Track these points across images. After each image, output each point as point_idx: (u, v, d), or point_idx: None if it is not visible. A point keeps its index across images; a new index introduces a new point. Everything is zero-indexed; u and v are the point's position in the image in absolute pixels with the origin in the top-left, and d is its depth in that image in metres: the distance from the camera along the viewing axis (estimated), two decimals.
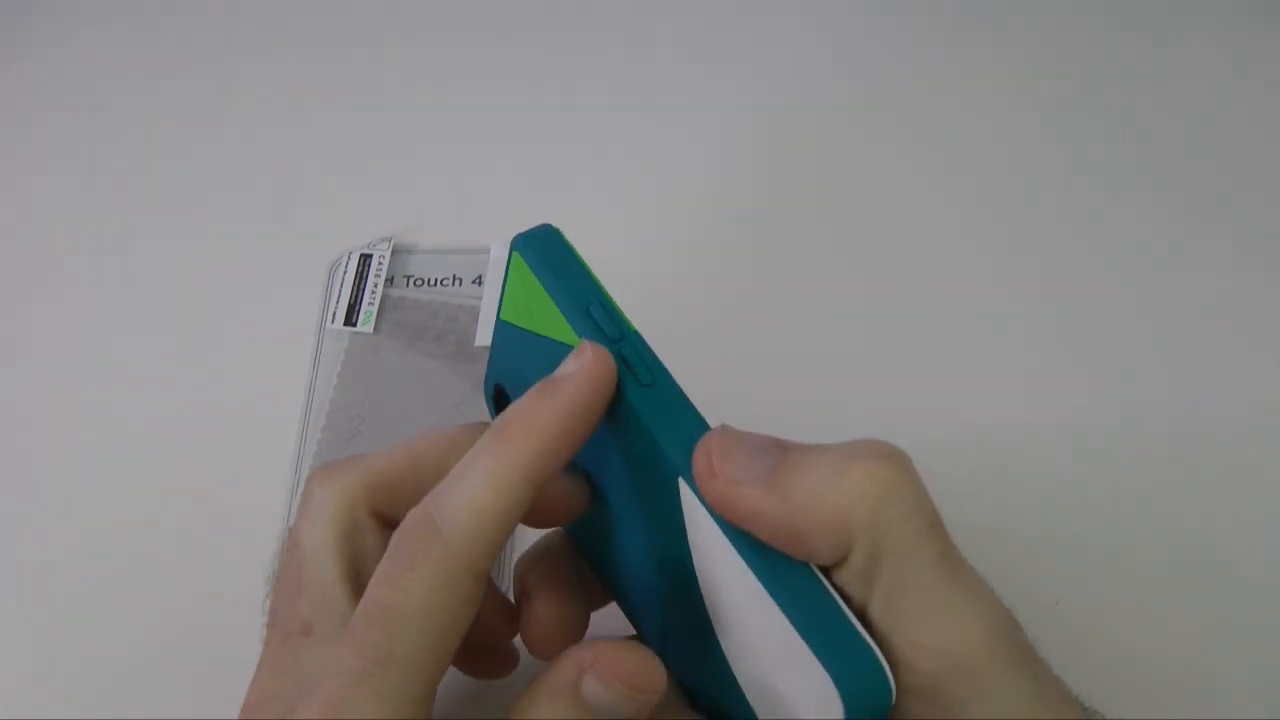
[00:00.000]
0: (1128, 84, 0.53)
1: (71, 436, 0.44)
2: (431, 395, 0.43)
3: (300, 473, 0.41)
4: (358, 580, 0.27)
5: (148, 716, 0.36)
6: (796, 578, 0.24)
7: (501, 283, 0.29)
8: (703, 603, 0.26)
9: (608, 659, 0.24)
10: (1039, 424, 0.42)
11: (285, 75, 0.55)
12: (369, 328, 0.45)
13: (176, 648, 0.38)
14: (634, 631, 0.30)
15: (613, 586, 0.30)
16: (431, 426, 0.30)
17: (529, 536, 0.31)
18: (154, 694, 0.37)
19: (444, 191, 0.50)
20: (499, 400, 0.32)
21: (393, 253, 0.47)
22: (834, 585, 0.24)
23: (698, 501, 0.24)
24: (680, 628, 0.27)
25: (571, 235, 0.28)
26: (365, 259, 0.47)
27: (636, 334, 0.26)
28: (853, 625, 0.23)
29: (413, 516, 0.24)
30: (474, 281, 0.46)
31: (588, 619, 0.30)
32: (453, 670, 0.28)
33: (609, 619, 0.30)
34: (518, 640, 0.30)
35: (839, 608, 0.24)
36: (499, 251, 0.47)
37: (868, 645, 0.23)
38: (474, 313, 0.45)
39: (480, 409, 0.34)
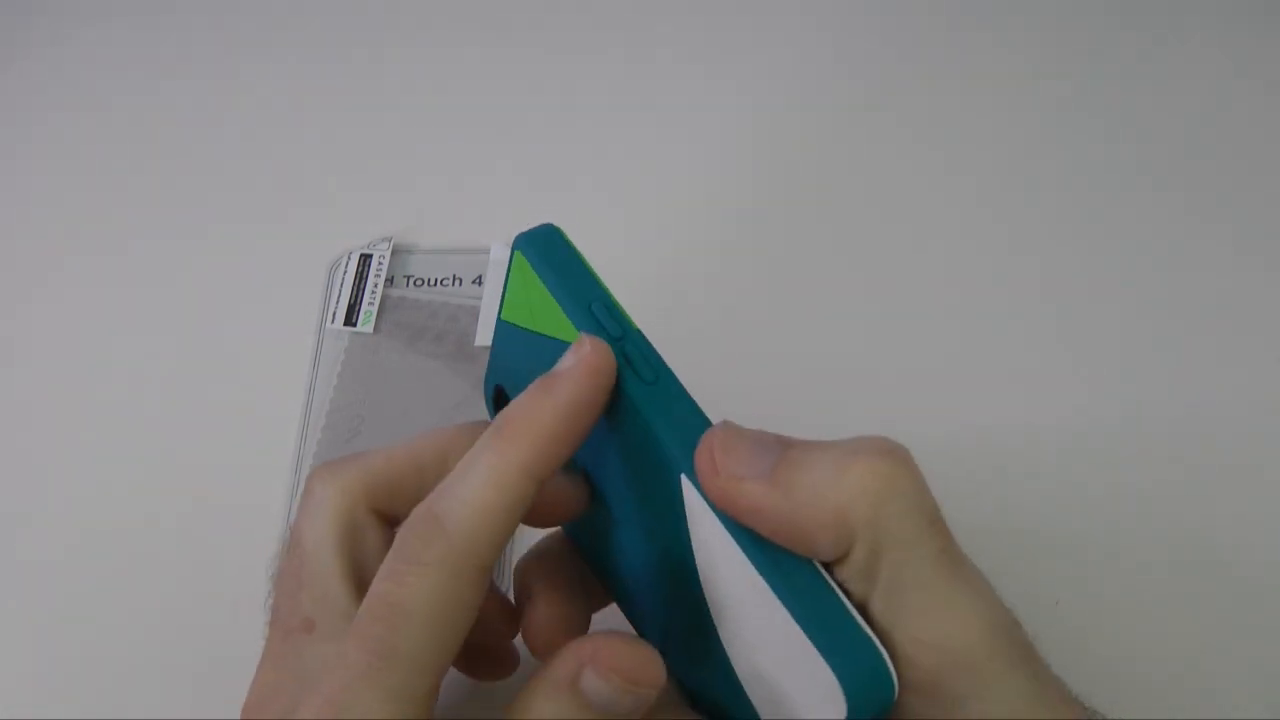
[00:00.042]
0: (1128, 84, 0.53)
1: (71, 436, 0.44)
2: (431, 395, 0.43)
3: (300, 473, 0.41)
4: (359, 577, 0.27)
5: (148, 716, 0.36)
6: (799, 573, 0.24)
7: (503, 283, 0.29)
8: (704, 600, 0.26)
9: (607, 652, 0.24)
10: (1039, 424, 0.42)
11: (285, 75, 0.55)
12: (369, 328, 0.45)
13: (176, 648, 0.38)
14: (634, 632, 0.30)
15: (613, 587, 0.30)
16: (431, 426, 0.30)
17: (529, 537, 0.31)
18: (154, 694, 0.37)
19: (444, 191, 0.50)
20: (499, 401, 0.32)
21: (393, 253, 0.47)
22: (836, 581, 0.24)
23: (700, 498, 0.24)
24: (681, 626, 0.27)
25: (572, 235, 0.28)
26: (365, 259, 0.47)
27: (639, 332, 0.26)
28: (856, 621, 0.23)
29: (417, 514, 0.24)
30: (474, 281, 0.46)
31: (589, 620, 0.30)
32: (453, 670, 0.28)
33: (609, 620, 0.30)
34: (518, 641, 0.30)
35: (842, 603, 0.24)
36: (499, 252, 0.47)
37: (871, 641, 0.23)
38: (474, 313, 0.45)
39: (480, 409, 0.34)
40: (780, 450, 0.24)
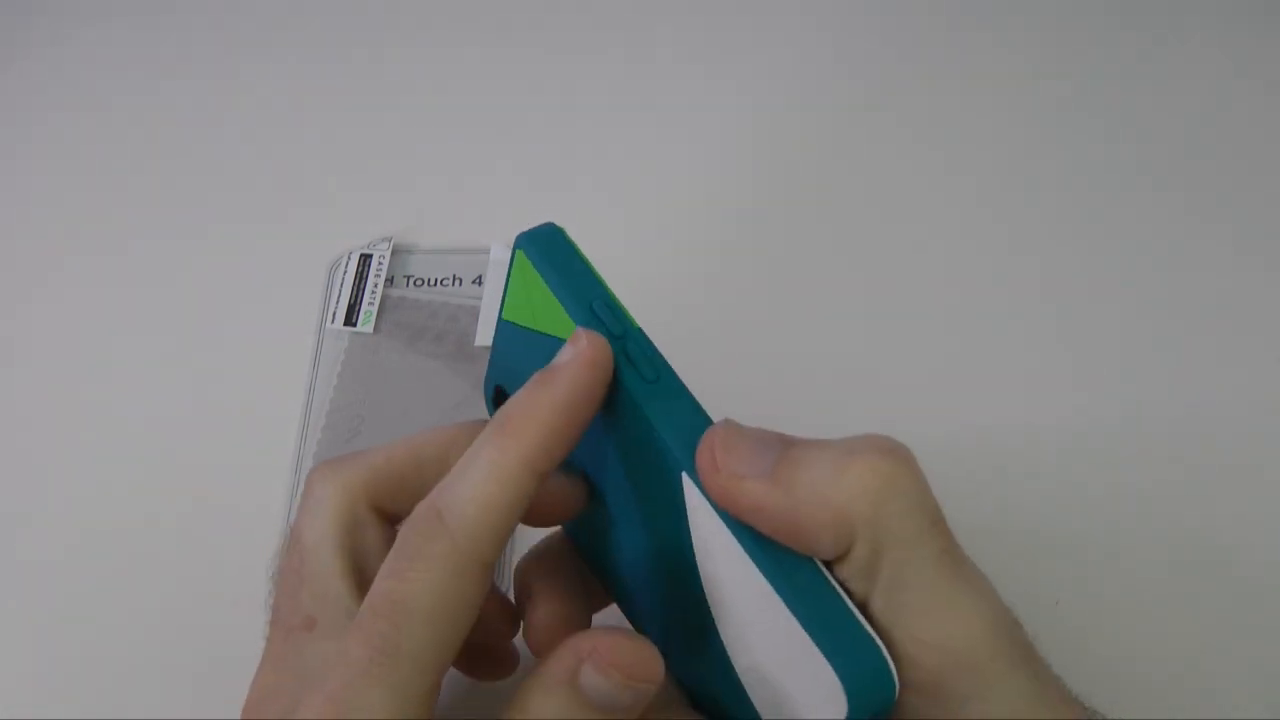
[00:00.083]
0: (1128, 84, 0.53)
1: (71, 436, 0.44)
2: (431, 395, 0.43)
3: (300, 472, 0.41)
4: (359, 575, 0.27)
5: (148, 716, 0.36)
6: (800, 572, 0.24)
7: (504, 282, 0.29)
8: (704, 599, 0.26)
9: (605, 648, 0.24)
10: (1039, 424, 0.42)
11: (285, 75, 0.55)
12: (369, 328, 0.45)
13: (176, 648, 0.38)
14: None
15: (613, 587, 0.30)
16: (431, 426, 0.30)
17: (529, 537, 0.31)
18: (154, 694, 0.37)
19: (444, 191, 0.50)
20: (499, 401, 0.31)
21: (393, 253, 0.47)
22: (837, 580, 0.24)
23: (701, 496, 0.24)
24: (681, 626, 0.27)
25: (572, 235, 0.28)
26: (365, 259, 0.47)
27: (640, 331, 0.27)
28: (857, 620, 0.23)
29: (418, 511, 0.24)
30: (474, 281, 0.46)
31: (589, 620, 0.30)
32: (453, 670, 0.28)
33: (609, 620, 0.30)
34: (518, 640, 0.30)
35: (843, 602, 0.24)
36: (499, 252, 0.47)
37: (873, 641, 0.23)
38: (474, 313, 0.45)
39: (480, 409, 0.34)
40: (781, 448, 0.24)
